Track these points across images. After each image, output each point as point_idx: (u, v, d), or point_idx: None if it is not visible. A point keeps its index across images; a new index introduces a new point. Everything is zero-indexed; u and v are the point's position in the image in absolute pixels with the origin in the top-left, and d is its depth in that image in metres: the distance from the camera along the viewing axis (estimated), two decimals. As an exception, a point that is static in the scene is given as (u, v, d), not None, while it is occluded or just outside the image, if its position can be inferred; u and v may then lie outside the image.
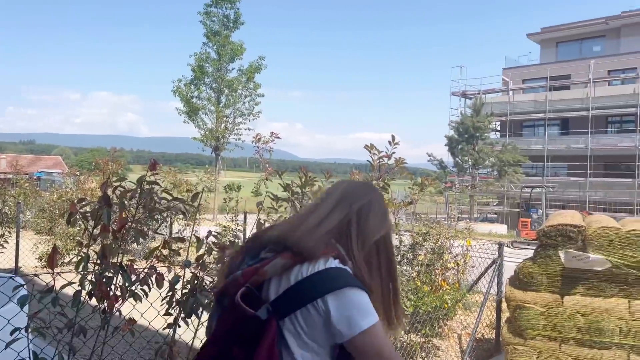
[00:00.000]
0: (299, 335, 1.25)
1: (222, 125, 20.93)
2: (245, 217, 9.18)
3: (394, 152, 3.91)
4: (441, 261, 5.45)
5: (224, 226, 8.30)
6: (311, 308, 1.24)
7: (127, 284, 2.25)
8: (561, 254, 4.17)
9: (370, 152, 3.87)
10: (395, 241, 5.59)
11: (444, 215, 37.58)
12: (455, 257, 5.82)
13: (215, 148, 20.92)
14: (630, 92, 27.15)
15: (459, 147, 25.23)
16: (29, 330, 2.12)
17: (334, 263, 1.29)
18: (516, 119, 31.68)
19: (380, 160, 3.88)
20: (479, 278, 5.69)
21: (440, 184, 24.38)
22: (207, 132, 20.84)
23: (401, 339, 4.77)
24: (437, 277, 5.44)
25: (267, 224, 2.63)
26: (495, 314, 5.49)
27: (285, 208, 3.38)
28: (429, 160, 26.24)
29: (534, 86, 31.73)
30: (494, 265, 5.30)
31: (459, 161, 25.52)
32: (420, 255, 5.45)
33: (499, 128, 34.46)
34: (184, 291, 2.43)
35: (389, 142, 3.91)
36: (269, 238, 1.38)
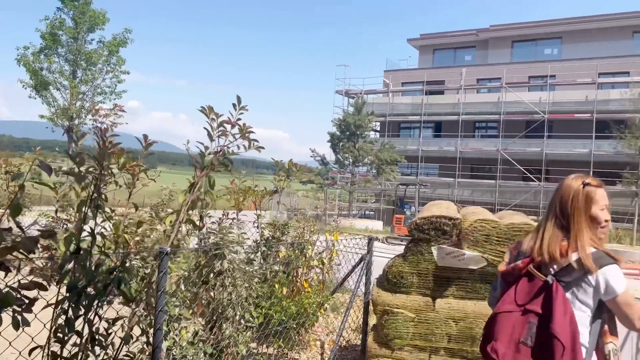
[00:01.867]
0: (573, 295, 1.95)
1: (78, 103, 18.47)
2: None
3: (239, 119, 3.03)
4: (303, 259, 4.68)
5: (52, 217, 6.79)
6: (585, 278, 1.92)
7: None
8: (434, 250, 3.61)
9: (208, 118, 2.95)
10: (255, 235, 4.74)
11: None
12: (320, 253, 5.09)
13: (68, 129, 18.34)
14: (495, 100, 29.24)
15: (340, 144, 25.23)
16: None
17: (593, 249, 1.94)
18: (394, 120, 32.74)
19: (222, 128, 2.98)
20: (345, 277, 5.03)
21: (322, 180, 24.19)
22: (58, 111, 18.25)
23: (253, 351, 3.92)
24: (299, 277, 4.66)
25: None
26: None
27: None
28: (311, 157, 25.99)
29: (412, 89, 33.01)
30: (362, 262, 4.66)
31: (340, 158, 25.53)
32: (281, 252, 4.65)
33: (378, 128, 35.44)
34: None
35: (233, 105, 3.03)
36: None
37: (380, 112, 32.52)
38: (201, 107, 2.94)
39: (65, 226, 7.01)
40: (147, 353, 2.70)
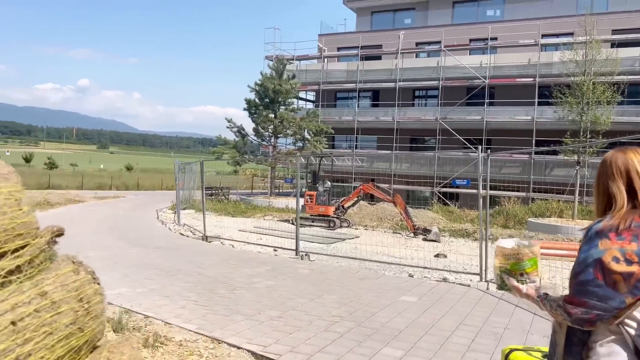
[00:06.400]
0: None
1: None
2: None
3: None
4: None
5: None
6: None
7: None
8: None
9: None
10: None
11: (247, 190, 35.17)
12: None
13: None
14: (434, 65, 27.05)
15: (257, 112, 22.42)
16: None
17: None
18: (330, 88, 30.17)
19: None
20: None
21: (236, 154, 21.39)
22: None
23: None
24: None
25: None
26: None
27: None
28: (228, 127, 23.02)
29: (347, 54, 30.41)
30: None
31: (259, 129, 22.72)
32: None
33: (312, 97, 32.83)
34: None
35: None
36: None
37: (314, 79, 29.90)
38: None
39: None
40: None
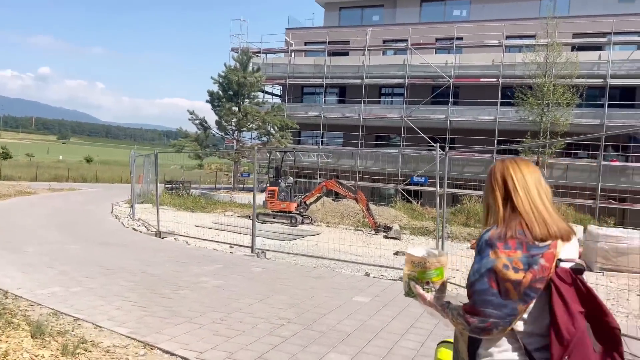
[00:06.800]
0: None
1: None
2: None
3: None
4: None
5: None
6: None
7: None
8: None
9: None
10: None
11: (211, 185, 34.44)
12: None
13: None
14: (401, 63, 27.03)
15: (219, 105, 21.84)
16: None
17: None
18: (296, 83, 29.81)
19: None
20: None
21: (197, 147, 20.80)
22: None
23: None
24: None
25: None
26: None
27: None
28: (189, 119, 22.35)
29: (315, 49, 30.12)
30: None
31: (222, 122, 22.15)
32: None
33: (279, 92, 32.42)
34: None
35: None
36: None
37: (280, 73, 29.50)
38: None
39: None
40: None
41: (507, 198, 1.69)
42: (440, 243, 9.06)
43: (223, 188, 27.67)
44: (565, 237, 1.62)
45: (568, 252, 1.62)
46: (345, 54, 29.86)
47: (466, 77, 25.63)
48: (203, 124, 22.68)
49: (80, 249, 9.42)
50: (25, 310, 5.18)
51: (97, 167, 50.06)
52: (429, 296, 1.75)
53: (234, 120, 22.11)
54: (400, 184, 25.69)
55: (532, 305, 1.56)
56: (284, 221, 15.76)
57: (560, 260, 1.58)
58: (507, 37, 25.15)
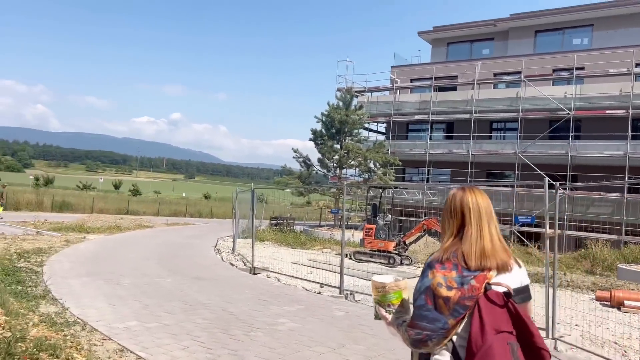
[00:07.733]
0: None
1: None
2: None
3: None
4: None
5: None
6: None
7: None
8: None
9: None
10: None
11: (316, 222, 34.49)
12: None
13: None
14: (513, 96, 25.43)
15: (322, 142, 21.98)
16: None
17: None
18: (401, 119, 29.31)
19: None
20: None
21: (300, 183, 20.99)
22: None
23: None
24: None
25: None
26: None
27: None
28: (294, 157, 22.79)
29: (420, 85, 29.50)
30: None
31: (324, 159, 22.23)
32: None
33: (383, 129, 32.06)
34: None
35: None
36: None
37: (385, 111, 29.24)
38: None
39: None
40: None
41: (462, 226, 1.82)
42: (551, 292, 7.84)
43: (326, 225, 27.61)
44: (501, 268, 1.75)
45: (505, 280, 1.72)
46: (453, 89, 28.87)
47: (589, 109, 23.33)
48: (306, 162, 22.98)
49: (172, 282, 9.59)
50: (94, 344, 5.15)
51: (214, 202, 53.06)
52: (389, 317, 1.87)
53: (336, 157, 22.07)
54: (514, 224, 23.70)
55: (465, 320, 1.67)
56: (382, 261, 15.05)
57: (489, 284, 1.69)
58: (637, 65, 22.60)
